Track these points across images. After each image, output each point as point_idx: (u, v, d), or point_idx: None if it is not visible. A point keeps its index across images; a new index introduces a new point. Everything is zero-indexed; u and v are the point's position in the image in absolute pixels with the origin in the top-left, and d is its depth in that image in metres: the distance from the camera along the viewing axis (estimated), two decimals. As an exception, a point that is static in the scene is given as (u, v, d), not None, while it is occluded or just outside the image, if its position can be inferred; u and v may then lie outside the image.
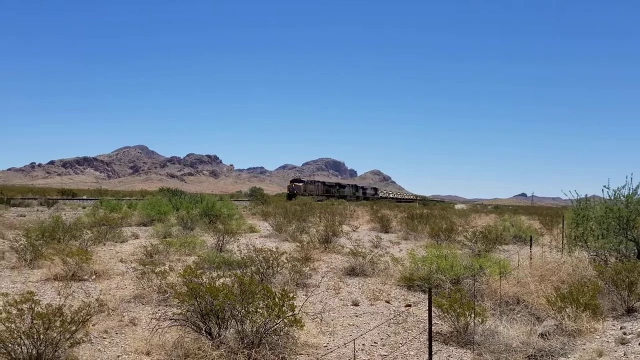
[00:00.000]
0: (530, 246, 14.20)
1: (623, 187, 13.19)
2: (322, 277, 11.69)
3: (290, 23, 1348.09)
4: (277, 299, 6.40)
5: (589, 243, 12.76)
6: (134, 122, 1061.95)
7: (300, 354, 6.71)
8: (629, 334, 7.33)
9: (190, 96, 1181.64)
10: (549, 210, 59.32)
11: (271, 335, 6.49)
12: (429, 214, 31.26)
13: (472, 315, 7.46)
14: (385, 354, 7.07)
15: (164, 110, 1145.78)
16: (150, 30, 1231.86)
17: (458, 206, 70.29)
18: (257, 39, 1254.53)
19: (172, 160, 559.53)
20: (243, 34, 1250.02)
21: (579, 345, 7.17)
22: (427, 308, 6.35)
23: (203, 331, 6.49)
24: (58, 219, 17.44)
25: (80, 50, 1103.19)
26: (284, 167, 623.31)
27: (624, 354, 6.51)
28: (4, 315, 5.46)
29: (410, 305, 9.66)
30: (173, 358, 6.21)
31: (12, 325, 5.39)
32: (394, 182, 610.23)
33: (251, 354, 6.06)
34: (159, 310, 8.31)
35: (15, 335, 5.35)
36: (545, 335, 7.35)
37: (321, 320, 8.21)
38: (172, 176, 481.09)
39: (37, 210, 31.64)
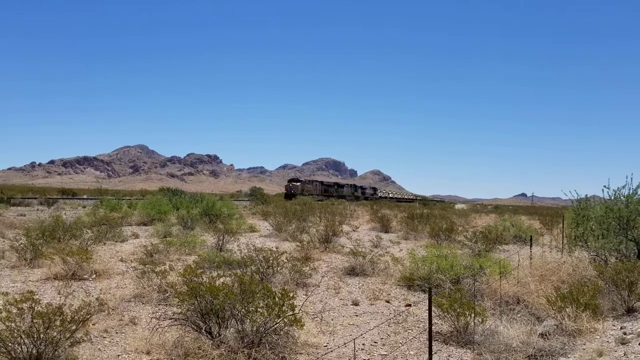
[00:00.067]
0: (531, 246, 14.20)
1: (623, 187, 13.21)
2: (322, 276, 11.70)
3: (290, 23, 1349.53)
4: (277, 299, 6.40)
5: (589, 243, 12.76)
6: (134, 122, 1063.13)
7: (301, 354, 6.71)
8: (629, 334, 7.33)
9: (190, 96, 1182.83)
10: (549, 210, 59.35)
11: (271, 335, 6.49)
12: (429, 214, 31.25)
13: (472, 315, 7.46)
14: (385, 353, 7.07)
15: (164, 110, 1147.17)
16: (150, 30, 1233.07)
17: (458, 206, 70.27)
18: (257, 39, 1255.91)
19: (173, 159, 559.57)
20: (243, 34, 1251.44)
21: (579, 345, 7.17)
22: (427, 308, 6.35)
23: (203, 330, 6.49)
24: (58, 218, 17.44)
25: (80, 50, 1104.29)
26: (284, 167, 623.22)
27: (624, 354, 6.51)
28: (4, 314, 5.47)
29: (410, 305, 9.66)
30: (173, 357, 6.21)
31: (13, 324, 5.40)
32: (394, 182, 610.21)
33: (251, 353, 6.06)
34: (159, 309, 8.32)
35: (16, 335, 5.36)
36: (546, 335, 7.34)
37: (321, 319, 8.21)
38: (172, 176, 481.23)
39: (37, 210, 31.65)
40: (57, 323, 5.59)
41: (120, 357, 6.42)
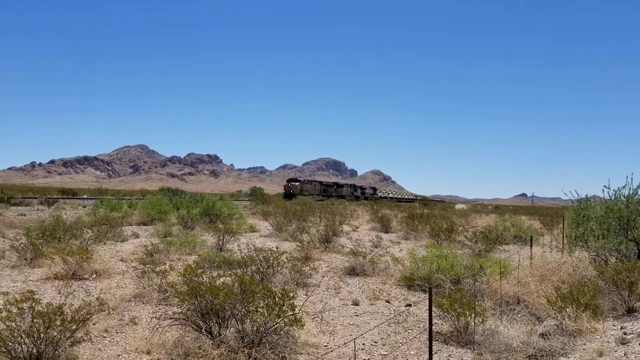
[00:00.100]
0: (531, 246, 14.20)
1: (623, 187, 13.20)
2: (323, 276, 11.70)
3: (290, 23, 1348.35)
4: (277, 299, 6.40)
5: (589, 243, 12.76)
6: (134, 122, 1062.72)
7: (301, 353, 6.71)
8: (630, 334, 7.33)
9: (190, 96, 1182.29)
10: (549, 210, 59.34)
11: (271, 335, 6.49)
12: (429, 214, 31.25)
13: (473, 315, 7.45)
14: (386, 353, 7.07)
15: (165, 110, 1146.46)
16: (150, 30, 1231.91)
17: (458, 206, 70.27)
18: (257, 39, 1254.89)
19: (173, 159, 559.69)
20: (243, 34, 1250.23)
21: (580, 345, 7.17)
22: (428, 308, 6.35)
23: (203, 330, 6.49)
24: (58, 218, 17.44)
25: (80, 50, 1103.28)
26: (284, 167, 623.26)
27: (625, 354, 6.51)
28: (4, 314, 5.47)
29: (410, 305, 9.66)
30: (173, 357, 6.21)
31: (13, 324, 5.40)
32: (394, 182, 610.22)
33: (251, 353, 6.06)
34: (159, 309, 8.32)
35: (16, 334, 5.36)
36: (546, 335, 7.34)
37: (321, 319, 8.21)
38: (173, 176, 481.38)
39: (38, 210, 31.66)
40: (58, 323, 5.59)
41: (120, 357, 6.42)
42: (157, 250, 13.42)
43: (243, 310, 6.42)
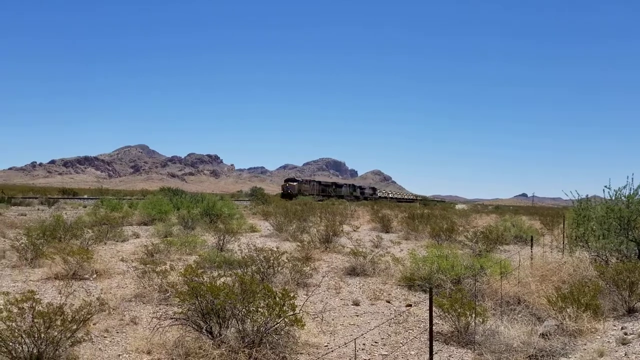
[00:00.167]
0: (531, 246, 14.19)
1: (624, 187, 13.20)
2: (323, 276, 11.70)
3: (290, 23, 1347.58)
4: (277, 299, 6.40)
5: (589, 243, 12.76)
6: (134, 122, 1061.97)
7: (301, 354, 6.71)
8: (630, 334, 7.32)
9: (190, 96, 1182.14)
10: (549, 210, 59.33)
11: (272, 335, 6.49)
12: (430, 214, 31.25)
13: (473, 315, 7.45)
14: (386, 353, 7.07)
15: (165, 110, 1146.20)
16: (150, 30, 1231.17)
17: (459, 206, 70.25)
18: (257, 39, 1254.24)
19: (173, 159, 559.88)
20: (243, 34, 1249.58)
21: (580, 345, 7.17)
22: (428, 308, 6.35)
23: (204, 330, 6.49)
24: (59, 218, 17.46)
25: (80, 50, 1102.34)
26: (284, 167, 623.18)
27: (625, 354, 6.50)
28: (5, 314, 5.47)
29: (410, 305, 9.66)
30: (174, 357, 6.21)
31: (13, 324, 5.40)
32: (395, 182, 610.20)
33: (252, 353, 6.06)
34: (159, 309, 8.32)
35: (16, 334, 5.36)
36: (546, 335, 7.34)
37: (322, 319, 8.21)
38: (173, 176, 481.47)
39: (38, 210, 31.68)
40: (58, 323, 5.59)
41: (121, 357, 6.42)
42: (158, 250, 13.43)
43: (243, 310, 6.42)
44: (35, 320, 5.48)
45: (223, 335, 6.34)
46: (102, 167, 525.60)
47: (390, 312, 9.13)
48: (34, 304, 5.64)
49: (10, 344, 5.37)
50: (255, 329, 6.38)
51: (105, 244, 15.80)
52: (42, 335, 5.48)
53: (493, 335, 7.30)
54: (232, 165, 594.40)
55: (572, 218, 14.21)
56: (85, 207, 34.39)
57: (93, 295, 8.94)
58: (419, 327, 8.21)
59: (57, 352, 5.68)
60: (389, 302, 9.93)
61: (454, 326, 7.63)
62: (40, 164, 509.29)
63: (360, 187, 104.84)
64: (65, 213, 26.78)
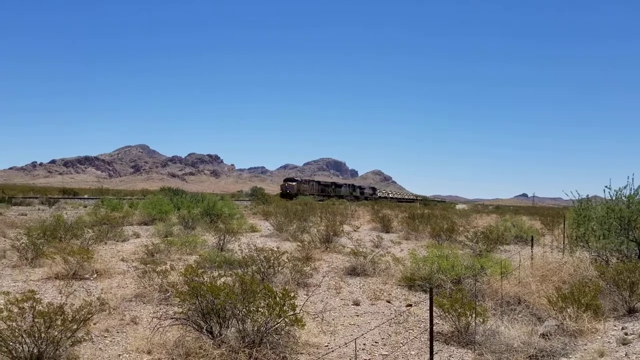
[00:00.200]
0: (532, 246, 14.18)
1: (624, 187, 13.20)
2: (323, 276, 11.70)
3: (290, 23, 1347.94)
4: (278, 299, 6.40)
5: (590, 243, 12.75)
6: (135, 122, 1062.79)
7: (302, 353, 6.71)
8: (631, 334, 7.32)
9: (190, 96, 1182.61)
10: (550, 210, 59.30)
11: (272, 335, 6.49)
12: (430, 214, 31.24)
13: (473, 315, 7.45)
14: (386, 353, 7.07)
15: (165, 110, 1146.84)
16: (150, 30, 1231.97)
17: (459, 206, 70.24)
18: (257, 39, 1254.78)
19: (174, 159, 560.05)
20: (243, 34, 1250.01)
21: (581, 345, 7.16)
22: (428, 308, 6.35)
23: (204, 330, 6.49)
24: (59, 218, 17.47)
25: (80, 50, 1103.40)
26: (285, 167, 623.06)
27: (626, 355, 6.50)
28: (5, 313, 5.47)
29: (411, 305, 9.66)
30: (174, 357, 6.21)
31: (14, 323, 5.40)
32: (395, 182, 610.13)
33: (252, 353, 6.06)
34: (160, 309, 8.32)
35: (17, 334, 5.37)
36: (547, 335, 7.34)
37: (322, 319, 8.21)
38: (173, 175, 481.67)
39: (39, 209, 31.68)
40: (59, 322, 5.60)
41: (121, 357, 6.42)
42: (158, 250, 13.43)
43: (244, 310, 6.42)
44: (36, 320, 5.49)
45: (223, 335, 6.34)
46: (103, 167, 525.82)
47: (390, 312, 9.13)
48: (34, 304, 5.64)
49: (11, 343, 5.37)
50: (255, 328, 6.38)
51: (106, 243, 15.80)
52: (43, 335, 5.48)
53: (493, 335, 7.30)
54: (232, 165, 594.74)
55: (572, 218, 14.20)
56: (85, 207, 34.41)
57: (93, 295, 8.95)
58: (419, 327, 8.21)
59: (58, 351, 5.68)
60: (389, 302, 9.93)
61: (454, 326, 7.63)
62: (41, 164, 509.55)
63: (360, 187, 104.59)
64: (66, 213, 26.79)
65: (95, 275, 10.84)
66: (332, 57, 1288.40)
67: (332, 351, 6.85)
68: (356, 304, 9.60)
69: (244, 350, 6.04)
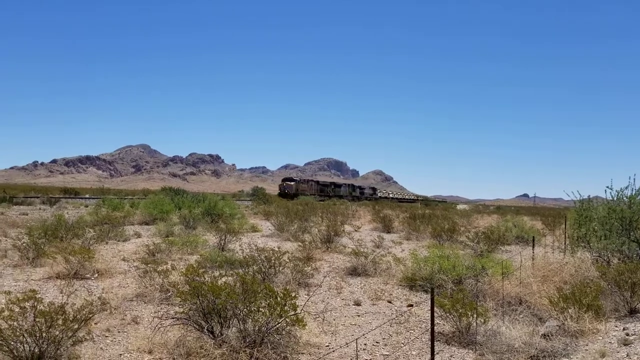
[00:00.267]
0: (533, 247, 14.16)
1: (626, 187, 13.19)
2: (324, 276, 11.70)
3: (290, 23, 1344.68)
4: (279, 298, 6.39)
5: (591, 244, 12.74)
6: (136, 122, 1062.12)
7: (302, 353, 6.71)
8: (632, 335, 7.31)
9: (191, 96, 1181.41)
10: (551, 210, 59.26)
11: (273, 335, 6.49)
12: (431, 214, 31.24)
13: (475, 316, 7.45)
14: (387, 353, 7.07)
15: (166, 109, 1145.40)
16: (150, 30, 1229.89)
17: (460, 206, 70.23)
18: (257, 39, 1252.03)
19: (175, 159, 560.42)
20: (243, 34, 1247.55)
21: (582, 346, 7.15)
22: (430, 308, 6.34)
23: (205, 330, 6.49)
24: (60, 217, 17.49)
25: (80, 50, 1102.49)
26: (286, 166, 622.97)
27: (627, 355, 6.49)
28: (6, 313, 5.48)
29: (412, 305, 9.66)
30: (175, 357, 6.22)
31: (15, 323, 5.41)
32: (396, 182, 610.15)
33: (253, 353, 6.06)
34: (161, 308, 8.33)
35: (18, 333, 5.37)
36: (548, 335, 7.33)
37: (323, 319, 8.21)
38: (175, 175, 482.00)
39: (40, 209, 31.73)
40: (60, 322, 5.60)
41: (122, 356, 6.43)
42: (159, 249, 13.43)
43: (245, 310, 6.42)
44: (37, 320, 5.49)
45: (224, 335, 6.34)
46: (104, 167, 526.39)
47: (391, 312, 9.13)
48: (35, 303, 5.65)
49: (12, 343, 5.37)
50: (256, 328, 6.38)
51: (107, 243, 15.81)
52: (44, 334, 5.49)
53: (494, 335, 7.29)
54: (233, 165, 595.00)
55: (573, 218, 14.19)
56: (86, 206, 34.45)
57: (94, 295, 8.95)
58: (420, 328, 8.20)
59: (59, 351, 5.68)
60: (390, 302, 9.93)
61: (455, 326, 7.62)
62: (42, 164, 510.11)
63: (359, 187, 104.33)
64: (67, 212, 26.81)
65: (97, 274, 10.85)
66: (332, 57, 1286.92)
67: (333, 351, 6.85)
68: (357, 304, 9.60)
69: (245, 350, 6.04)
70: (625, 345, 6.91)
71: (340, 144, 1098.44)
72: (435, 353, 6.30)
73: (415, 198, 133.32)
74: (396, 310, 9.27)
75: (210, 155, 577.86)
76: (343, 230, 21.12)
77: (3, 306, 5.66)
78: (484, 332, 7.46)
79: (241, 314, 6.43)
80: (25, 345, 5.44)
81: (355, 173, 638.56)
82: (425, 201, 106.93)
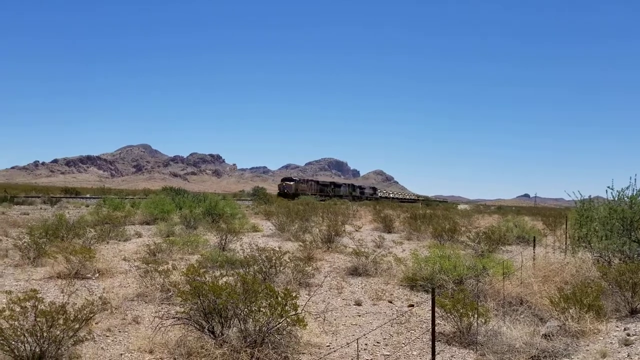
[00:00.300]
0: (534, 247, 14.14)
1: (627, 188, 13.16)
2: (325, 276, 11.69)
3: (290, 23, 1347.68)
4: (280, 298, 6.39)
5: (592, 244, 12.72)
6: (137, 122, 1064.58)
7: (303, 353, 6.71)
8: (633, 335, 7.30)
9: (191, 96, 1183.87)
10: (552, 211, 59.18)
11: (274, 334, 6.49)
12: (432, 214, 31.21)
13: (475, 316, 7.44)
14: (388, 353, 7.06)
15: (167, 109, 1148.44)
16: (150, 30, 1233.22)
17: (461, 207, 70.16)
18: (257, 39, 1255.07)
19: (175, 159, 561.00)
20: (243, 34, 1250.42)
21: (583, 346, 7.14)
22: (430, 308, 6.34)
23: (206, 330, 6.49)
24: (61, 217, 17.51)
25: (80, 50, 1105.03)
26: (286, 166, 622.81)
27: (628, 355, 6.48)
28: (7, 312, 5.48)
29: (413, 305, 9.65)
30: (176, 356, 6.22)
31: (16, 322, 5.41)
32: (397, 182, 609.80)
33: (254, 352, 6.06)
34: (162, 308, 8.33)
35: (19, 333, 5.37)
36: (549, 336, 7.32)
37: (324, 319, 8.21)
38: (175, 175, 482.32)
39: (41, 209, 31.75)
40: (60, 322, 5.60)
41: (123, 356, 6.43)
42: (160, 249, 13.43)
43: (245, 310, 6.42)
44: (38, 319, 5.49)
45: (225, 335, 6.34)
46: (105, 167, 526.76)
47: (392, 313, 9.12)
48: (36, 303, 5.65)
49: (13, 342, 5.38)
50: (257, 328, 6.38)
51: (108, 243, 15.82)
52: (45, 334, 5.49)
53: (495, 335, 7.28)
54: (234, 164, 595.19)
55: (574, 219, 14.18)
56: (87, 206, 34.47)
57: (95, 295, 8.95)
58: (421, 328, 8.20)
59: (60, 351, 5.69)
60: (391, 302, 9.92)
61: (456, 327, 7.62)
62: (43, 163, 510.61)
63: (359, 187, 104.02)
64: (68, 212, 26.83)
65: (97, 274, 10.86)
66: (332, 57, 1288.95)
67: (334, 351, 6.85)
68: (358, 304, 9.59)
69: (246, 350, 6.04)
70: (626, 345, 6.90)
71: (340, 144, 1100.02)
72: (436, 353, 6.30)
73: (416, 198, 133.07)
74: (397, 311, 9.27)
75: (211, 155, 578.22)
76: (344, 230, 21.11)
77: (4, 306, 5.66)
78: (484, 333, 7.45)
79: (242, 314, 6.43)
80: (26, 345, 5.44)
81: (356, 173, 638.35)
82: (426, 201, 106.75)
